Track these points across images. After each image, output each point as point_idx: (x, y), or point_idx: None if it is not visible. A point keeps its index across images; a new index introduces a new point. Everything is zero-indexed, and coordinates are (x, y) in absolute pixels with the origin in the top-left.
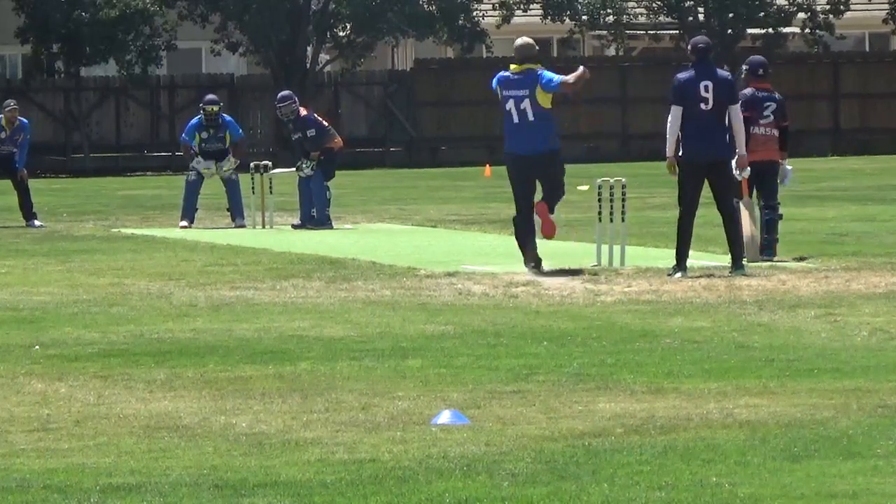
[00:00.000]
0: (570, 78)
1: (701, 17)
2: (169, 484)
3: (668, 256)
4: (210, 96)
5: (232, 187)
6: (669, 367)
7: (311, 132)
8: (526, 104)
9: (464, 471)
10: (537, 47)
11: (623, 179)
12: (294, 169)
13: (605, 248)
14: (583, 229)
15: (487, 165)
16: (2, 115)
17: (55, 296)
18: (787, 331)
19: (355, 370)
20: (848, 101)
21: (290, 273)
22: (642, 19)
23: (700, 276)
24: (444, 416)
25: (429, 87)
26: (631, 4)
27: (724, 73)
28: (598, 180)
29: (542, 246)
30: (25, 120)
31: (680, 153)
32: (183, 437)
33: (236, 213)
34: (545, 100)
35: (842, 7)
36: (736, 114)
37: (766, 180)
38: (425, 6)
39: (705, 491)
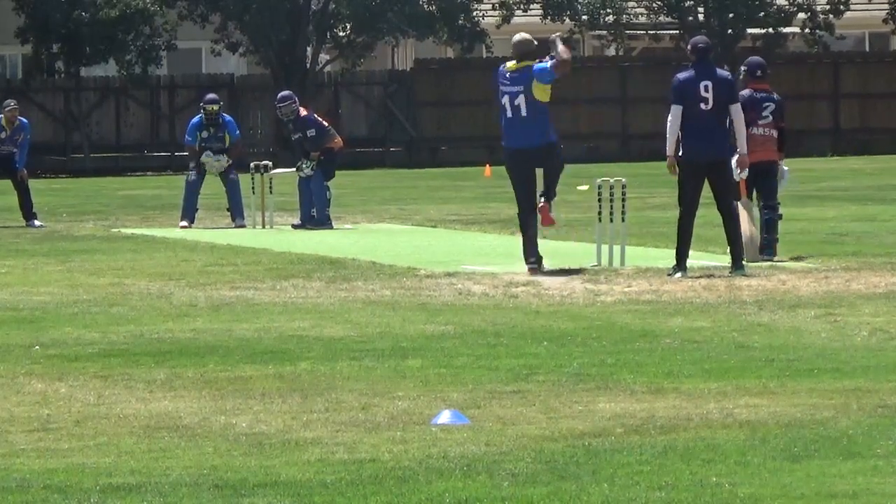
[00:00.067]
0: (559, 54)
1: (701, 17)
2: (169, 484)
3: (668, 256)
4: (210, 95)
5: (232, 187)
6: (669, 367)
7: (311, 132)
8: (520, 100)
9: (464, 471)
10: (535, 43)
11: (623, 179)
12: (294, 169)
13: (605, 248)
14: (583, 229)
15: (487, 165)
16: (2, 115)
17: (55, 296)
18: (787, 331)
19: (355, 370)
20: (848, 101)
21: (290, 273)
22: (642, 19)
23: (700, 276)
24: (444, 416)
25: (429, 87)
26: (631, 4)
27: (724, 72)
28: (598, 180)
29: (543, 246)
30: (25, 120)
31: (680, 153)
32: (183, 437)
33: (236, 213)
34: (543, 94)
35: (842, 7)
36: (737, 113)
37: (764, 180)
38: (425, 6)
39: (705, 491)
